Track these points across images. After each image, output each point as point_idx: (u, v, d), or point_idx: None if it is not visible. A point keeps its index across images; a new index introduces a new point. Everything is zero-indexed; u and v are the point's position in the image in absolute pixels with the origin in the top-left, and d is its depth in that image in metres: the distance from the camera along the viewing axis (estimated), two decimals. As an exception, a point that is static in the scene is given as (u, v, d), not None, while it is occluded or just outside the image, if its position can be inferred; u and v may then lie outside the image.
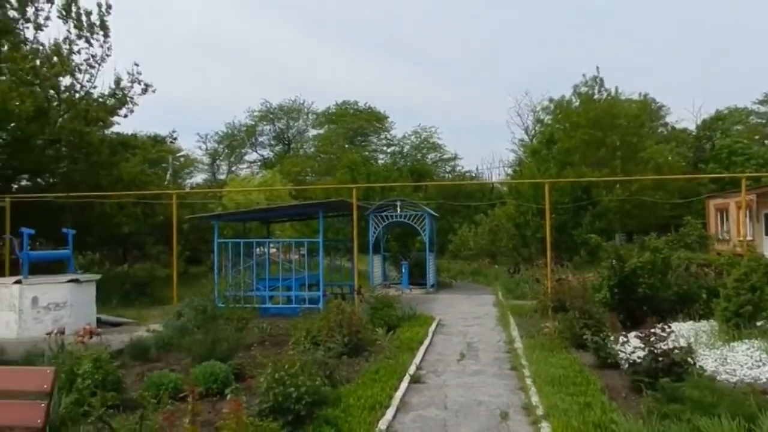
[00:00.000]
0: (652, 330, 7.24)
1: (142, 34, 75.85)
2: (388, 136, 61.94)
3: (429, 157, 56.70)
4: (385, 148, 61.71)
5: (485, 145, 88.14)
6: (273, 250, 18.85)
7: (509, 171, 48.29)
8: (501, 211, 29.94)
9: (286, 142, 64.94)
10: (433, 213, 22.64)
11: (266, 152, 64.65)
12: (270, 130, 64.29)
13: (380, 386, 7.39)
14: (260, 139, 64.08)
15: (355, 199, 15.43)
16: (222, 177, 59.21)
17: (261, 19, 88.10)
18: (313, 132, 64.29)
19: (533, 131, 48.65)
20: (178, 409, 5.00)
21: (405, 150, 57.57)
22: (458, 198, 36.04)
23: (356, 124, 60.03)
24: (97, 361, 4.67)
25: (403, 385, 7.56)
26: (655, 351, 6.92)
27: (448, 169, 56.50)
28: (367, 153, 57.34)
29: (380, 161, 55.49)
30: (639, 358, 7.10)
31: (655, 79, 72.45)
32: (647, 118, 39.73)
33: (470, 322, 13.41)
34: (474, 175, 51.95)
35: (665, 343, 6.99)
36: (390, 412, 6.44)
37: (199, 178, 59.39)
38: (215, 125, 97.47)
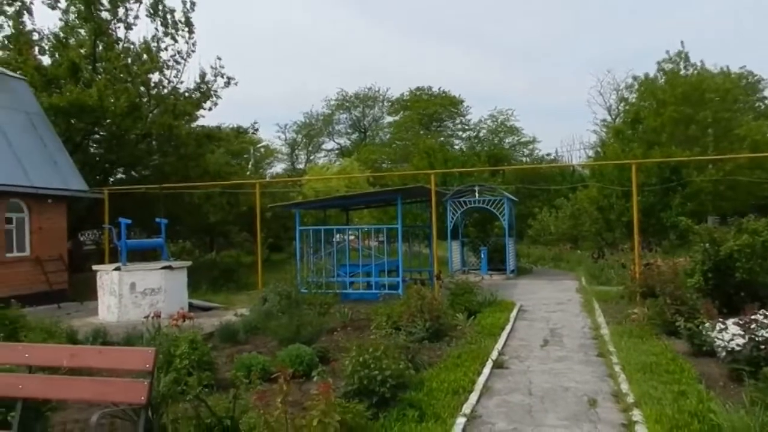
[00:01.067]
0: (753, 317, 6.83)
1: (223, 27, 78.37)
2: (464, 120, 61.27)
3: (506, 140, 55.65)
4: (460, 133, 61.10)
5: (565, 126, 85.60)
6: (352, 237, 19.14)
7: (590, 153, 46.67)
8: (583, 194, 29.01)
9: (362, 130, 65.49)
10: (512, 197, 22.25)
11: (343, 141, 65.52)
12: (346, 118, 65.03)
13: (463, 371, 7.37)
14: (337, 127, 64.96)
15: (433, 185, 15.38)
16: (300, 166, 60.52)
17: (336, 8, 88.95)
18: (388, 119, 64.52)
19: (616, 111, 46.71)
20: (270, 390, 5.18)
21: (481, 134, 56.76)
22: (537, 182, 35.25)
23: (431, 109, 59.67)
24: (192, 342, 4.93)
25: (486, 370, 7.50)
26: (757, 338, 6.53)
27: (526, 152, 55.24)
28: (442, 138, 56.95)
29: (456, 146, 54.99)
30: (738, 346, 6.72)
31: (751, 51, 67.76)
32: (742, 92, 37.19)
33: (553, 307, 13.13)
34: (553, 158, 50.57)
35: (768, 330, 6.58)
36: (473, 397, 6.41)
37: (278, 167, 60.95)
38: (293, 115, 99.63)
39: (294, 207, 17.56)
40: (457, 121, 61.75)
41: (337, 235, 18.05)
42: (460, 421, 5.66)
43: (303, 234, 16.22)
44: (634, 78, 38.07)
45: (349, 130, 66.02)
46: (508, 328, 10.47)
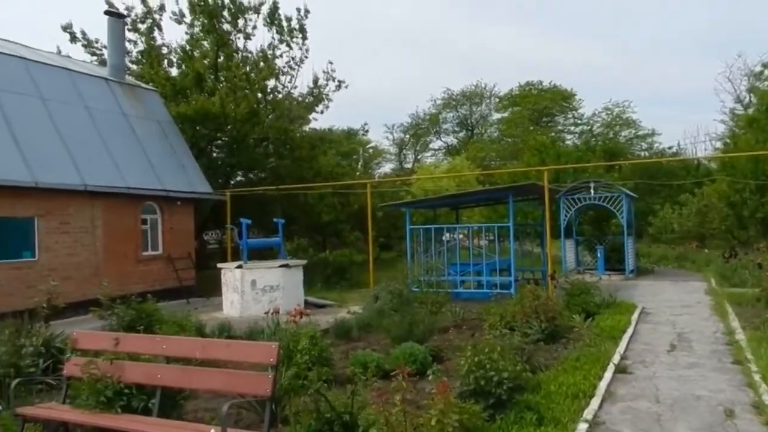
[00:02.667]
0: None
1: (330, 31, 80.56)
2: (576, 114, 58.95)
3: (622, 134, 52.90)
4: (572, 127, 58.84)
5: (687, 118, 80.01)
6: (461, 236, 19.01)
7: (718, 144, 43.23)
8: (711, 189, 26.97)
9: (470, 128, 64.83)
10: (631, 194, 21.13)
11: (450, 139, 65.21)
12: (453, 116, 64.64)
13: (582, 374, 7.09)
14: (444, 126, 64.72)
15: (546, 182, 14.95)
16: (408, 166, 60.90)
17: (443, 6, 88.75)
18: (496, 116, 63.42)
19: (748, 99, 43.02)
20: (386, 387, 5.25)
21: (594, 128, 54.33)
22: (657, 177, 33.17)
23: (541, 104, 57.94)
24: (312, 338, 5.09)
25: (608, 374, 7.16)
26: None
27: (645, 146, 52.14)
28: (553, 134, 55.13)
29: (567, 142, 53.01)
30: None
31: None
32: None
33: (679, 310, 12.31)
34: (675, 151, 47.40)
35: None
36: (595, 402, 6.14)
37: (387, 167, 61.69)
38: (400, 116, 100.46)
39: (404, 206, 17.71)
40: (569, 115, 59.52)
41: (447, 234, 18.01)
42: (582, 426, 5.44)
43: (413, 233, 16.31)
44: (765, 66, 34.79)
45: (456, 129, 65.60)
46: (629, 331, 9.94)
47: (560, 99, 58.18)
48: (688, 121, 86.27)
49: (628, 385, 6.90)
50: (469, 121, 64.79)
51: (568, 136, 57.15)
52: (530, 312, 9.39)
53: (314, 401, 5.17)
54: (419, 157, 64.63)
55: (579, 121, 58.23)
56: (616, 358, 7.88)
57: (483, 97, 63.18)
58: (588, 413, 5.79)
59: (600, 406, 6.07)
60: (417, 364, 7.38)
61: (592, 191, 19.84)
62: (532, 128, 56.14)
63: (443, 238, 17.54)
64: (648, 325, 10.79)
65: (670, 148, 49.08)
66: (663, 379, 7.10)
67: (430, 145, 65.66)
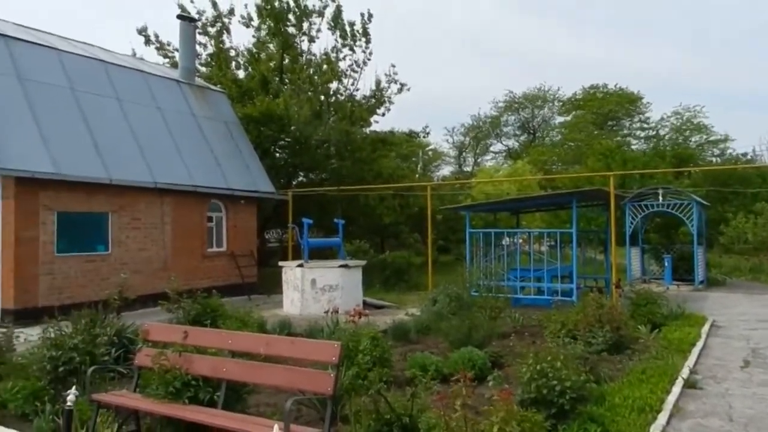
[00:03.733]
0: None
1: (392, 33, 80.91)
2: (642, 118, 57.00)
3: (693, 139, 50.82)
4: (639, 132, 56.93)
5: (764, 123, 76.10)
6: (521, 240, 18.71)
7: (798, 151, 40.85)
8: (789, 198, 25.58)
9: (531, 131, 63.73)
10: (703, 201, 20.29)
11: (511, 142, 64.27)
12: (514, 119, 63.70)
13: (649, 388, 6.85)
14: (505, 129, 63.84)
15: (612, 188, 14.54)
16: (467, 169, 60.41)
17: (503, 8, 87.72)
18: (559, 119, 62.08)
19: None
20: (444, 391, 5.23)
21: (663, 133, 52.40)
22: (730, 184, 31.71)
23: (606, 108, 56.33)
24: (374, 339, 5.13)
25: (676, 389, 6.89)
26: None
27: (717, 152, 49.94)
28: (618, 138, 53.50)
29: (633, 146, 51.32)
30: None
31: None
32: None
33: (754, 324, 11.73)
34: (750, 157, 45.15)
35: None
36: (663, 417, 5.93)
37: (446, 170, 61.37)
38: (461, 118, 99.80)
39: (464, 209, 17.60)
40: (636, 119, 57.62)
41: (507, 239, 17.76)
42: (649, 441, 5.27)
43: (473, 236, 16.16)
44: None
45: (517, 132, 64.59)
46: (699, 344, 9.54)
47: (626, 102, 56.39)
48: (765, 126, 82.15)
49: (698, 401, 6.62)
50: (530, 125, 63.69)
51: (634, 141, 55.36)
52: (594, 321, 9.15)
53: (374, 402, 5.20)
54: (479, 160, 64.02)
55: (646, 125, 56.34)
56: (685, 372, 7.58)
57: (546, 100, 61.98)
58: (655, 428, 5.60)
59: (668, 422, 5.86)
60: (476, 370, 7.32)
61: (660, 198, 19.17)
62: (596, 132, 54.67)
63: (503, 242, 17.32)
64: (719, 339, 10.33)
65: (744, 154, 46.80)
66: (736, 396, 6.79)
67: (491, 148, 64.92)
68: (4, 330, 8.17)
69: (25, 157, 12.97)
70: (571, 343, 8.64)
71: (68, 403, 5.40)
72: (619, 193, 18.19)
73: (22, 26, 16.31)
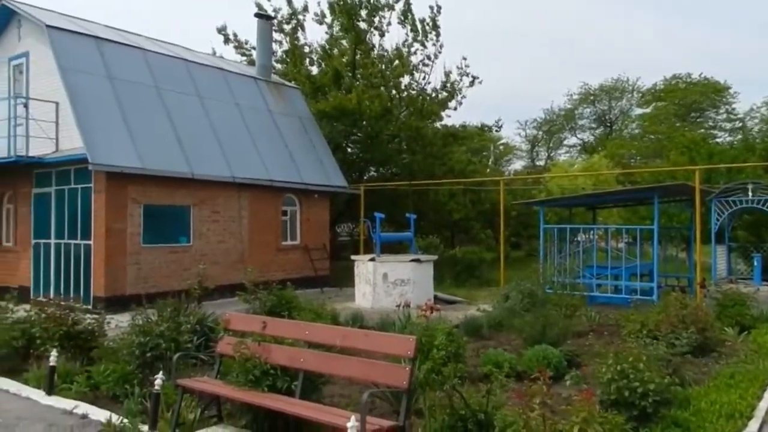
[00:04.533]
0: None
1: (463, 25, 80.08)
2: (729, 109, 53.93)
3: (786, 131, 47.68)
4: (725, 124, 53.92)
5: None
6: (597, 237, 18.14)
7: None
8: None
9: (608, 124, 61.58)
10: (798, 197, 18.98)
11: (586, 136, 62.33)
12: (590, 112, 61.72)
13: (738, 393, 6.50)
14: (580, 122, 61.98)
15: (697, 183, 13.87)
16: (540, 163, 59.13)
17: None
18: (637, 111, 59.65)
19: None
20: (521, 389, 5.15)
21: (751, 125, 49.41)
22: (832, 180, 29.50)
23: (689, 98, 53.63)
24: (449, 335, 5.12)
25: (768, 395, 6.53)
26: None
27: (815, 145, 46.65)
28: (703, 130, 50.89)
29: (719, 139, 48.66)
30: None
31: None
32: None
33: None
34: None
35: None
36: (754, 425, 5.62)
37: (518, 164, 60.34)
38: (534, 112, 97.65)
39: (538, 204, 17.23)
40: (722, 110, 54.60)
41: (582, 235, 17.29)
42: (739, 450, 5.01)
43: (547, 232, 15.82)
44: None
45: (593, 125, 62.58)
46: (793, 349, 8.96)
47: (711, 92, 53.49)
48: None
49: (794, 409, 6.23)
50: (607, 117, 61.53)
51: (720, 134, 52.50)
52: (677, 321, 8.76)
53: (448, 397, 5.18)
54: (552, 154, 62.52)
55: (733, 117, 53.30)
56: (778, 378, 7.15)
57: (624, 92, 59.69)
58: (745, 436, 5.32)
59: (759, 430, 5.54)
60: (551, 368, 7.16)
61: (750, 193, 18.09)
62: (678, 124, 52.23)
63: (577, 238, 16.86)
64: (816, 344, 9.66)
65: None
66: (836, 405, 6.34)
67: (565, 142, 63.23)
68: (96, 316, 8.66)
69: (114, 152, 13.69)
70: (653, 344, 8.32)
71: (156, 388, 5.69)
72: (704, 188, 17.31)
73: (111, 27, 17.20)
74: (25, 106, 14.65)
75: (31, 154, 14.44)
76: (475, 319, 10.71)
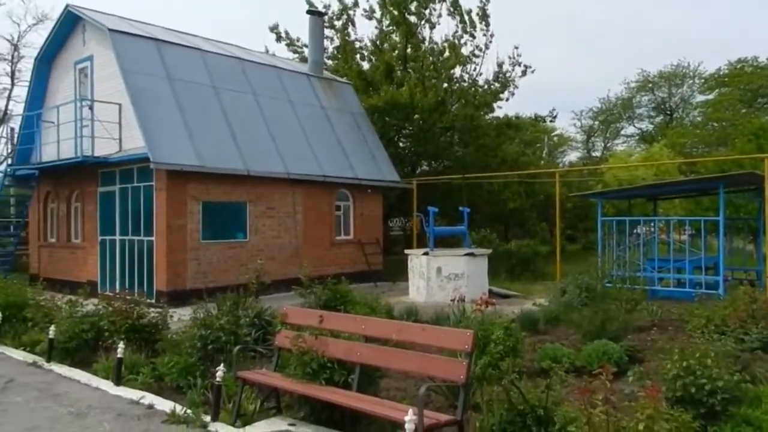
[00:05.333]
0: None
1: (516, 14, 78.68)
2: (799, 93, 51.12)
3: None
4: (795, 109, 51.18)
5: None
6: (652, 229, 17.56)
7: None
8: None
9: (668, 112, 59.40)
10: None
11: (645, 125, 60.32)
12: (648, 100, 59.67)
13: (815, 392, 6.17)
14: (638, 111, 60.00)
15: (767, 172, 13.23)
16: (596, 154, 57.63)
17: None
18: (699, 98, 57.29)
19: None
20: (581, 384, 5.05)
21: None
22: None
23: (756, 83, 51.15)
24: (507, 329, 5.06)
25: None
26: None
27: None
28: (768, 117, 48.48)
29: (788, 125, 46.21)
30: None
31: None
32: None
33: None
34: None
35: None
36: (831, 425, 5.32)
37: (572, 156, 58.98)
38: (589, 101, 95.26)
39: (596, 196, 16.80)
40: (793, 94, 51.89)
41: (640, 227, 16.77)
42: (816, 451, 4.76)
43: (605, 224, 15.41)
44: None
45: (652, 113, 60.48)
46: None
47: (781, 75, 50.89)
48: None
49: None
50: (667, 105, 59.35)
51: (790, 119, 49.90)
52: (746, 316, 8.40)
53: (506, 391, 5.12)
54: (609, 144, 60.83)
55: (803, 100, 50.56)
56: None
57: (685, 78, 57.41)
58: (824, 437, 5.05)
59: (838, 430, 5.25)
60: (611, 364, 6.97)
61: (824, 182, 17.14)
62: (744, 111, 49.95)
63: (637, 230, 16.35)
64: None
65: None
66: None
67: (622, 132, 61.38)
68: (159, 310, 8.96)
69: (174, 151, 14.11)
70: (720, 340, 8.01)
71: (217, 379, 5.85)
72: (774, 177, 16.52)
73: (170, 29, 17.71)
74: (90, 108, 15.27)
75: (96, 154, 15.05)
76: (531, 313, 10.55)
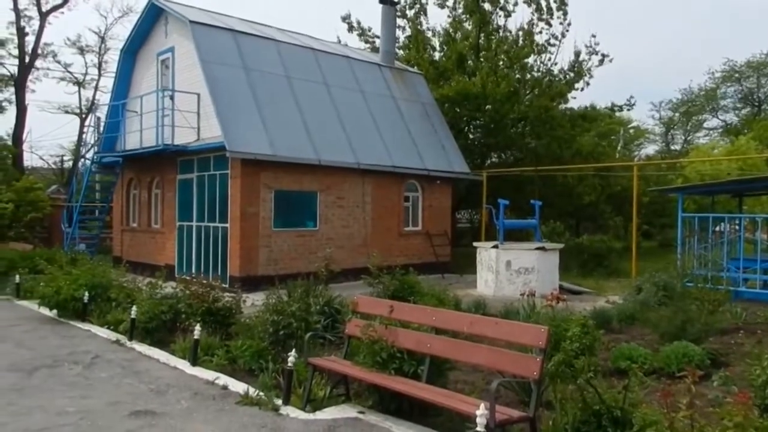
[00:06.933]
0: None
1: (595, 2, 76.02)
2: None
3: None
4: None
5: None
6: (737, 227, 16.61)
7: None
8: None
9: (756, 104, 56.02)
10: None
11: (729, 117, 57.13)
12: (734, 91, 56.41)
13: None
14: (722, 102, 56.88)
15: None
16: (676, 147, 55.13)
17: (727, -34, 77.69)
18: (792, 88, 53.69)
19: None
20: (659, 387, 4.84)
21: None
22: None
23: None
24: (584, 326, 4.89)
25: None
26: None
27: None
28: None
29: None
30: None
31: None
32: None
33: None
34: None
35: None
36: None
37: (650, 149, 56.63)
38: (669, 92, 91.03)
39: (677, 191, 16.04)
40: None
41: (723, 224, 15.90)
42: None
43: (686, 221, 14.72)
44: None
45: (738, 105, 57.19)
46: None
47: None
48: None
49: None
50: (755, 96, 55.97)
51: None
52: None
53: (580, 390, 4.97)
54: (689, 137, 58.02)
55: None
56: None
57: (775, 68, 53.98)
58: None
59: None
60: (692, 367, 6.65)
61: None
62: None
63: (719, 228, 15.52)
64: None
65: None
66: None
67: (705, 125, 58.38)
68: (233, 294, 9.23)
69: (249, 140, 14.46)
70: (814, 347, 7.51)
71: (289, 364, 5.96)
72: None
73: (247, 21, 18.13)
74: (171, 98, 15.85)
75: (176, 142, 15.62)
76: (604, 311, 10.21)
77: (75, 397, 6.39)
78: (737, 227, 16.19)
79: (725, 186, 16.83)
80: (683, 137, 58.52)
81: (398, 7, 23.91)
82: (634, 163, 19.35)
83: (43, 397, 6.39)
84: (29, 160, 36.50)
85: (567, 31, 23.69)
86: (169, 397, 6.41)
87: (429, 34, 25.02)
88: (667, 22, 79.37)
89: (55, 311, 11.05)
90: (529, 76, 23.86)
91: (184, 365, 7.57)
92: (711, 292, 10.78)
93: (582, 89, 24.56)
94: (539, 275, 13.45)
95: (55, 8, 28.47)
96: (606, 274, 17.85)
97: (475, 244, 15.26)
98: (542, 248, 13.77)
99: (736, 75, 54.65)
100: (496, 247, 13.84)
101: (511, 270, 13.60)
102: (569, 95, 25.06)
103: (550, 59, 24.16)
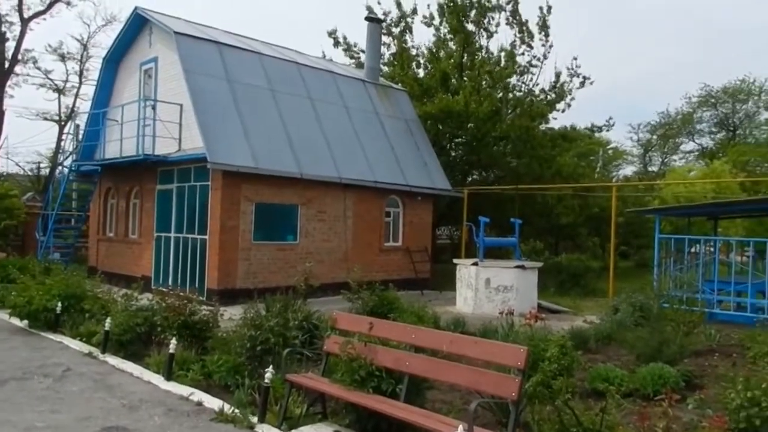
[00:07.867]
0: None
1: (575, 23, 77.39)
2: None
3: None
4: None
5: None
6: (711, 249, 16.89)
7: None
8: None
9: (731, 129, 57.20)
10: None
11: (705, 140, 58.24)
12: (711, 116, 57.57)
13: None
14: (698, 126, 57.99)
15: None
16: (653, 169, 55.99)
17: (704, -6, 79.70)
18: (765, 115, 54.95)
19: None
20: (634, 409, 4.87)
21: None
22: None
23: (826, 101, 48.78)
24: (563, 348, 4.91)
25: None
26: None
27: None
28: None
29: None
30: None
31: None
32: None
33: None
34: None
35: None
36: None
37: (628, 170, 57.44)
38: (646, 115, 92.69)
39: (654, 213, 16.29)
40: None
41: (702, 247, 16.15)
42: None
43: (662, 242, 14.92)
44: None
45: (713, 129, 58.35)
46: None
47: None
48: None
49: None
50: (730, 121, 57.19)
51: None
52: (814, 346, 7.97)
53: (558, 412, 4.98)
54: (666, 159, 58.99)
55: None
56: None
57: (750, 94, 55.22)
58: None
59: None
60: (666, 389, 6.72)
61: None
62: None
63: (694, 250, 15.73)
64: None
65: None
66: None
67: (681, 147, 59.41)
68: (211, 308, 9.11)
69: (231, 152, 14.38)
70: (785, 370, 7.61)
71: (266, 381, 5.89)
72: None
73: (231, 33, 18.11)
74: (153, 107, 15.73)
75: (156, 152, 15.48)
76: (581, 330, 10.27)
77: (44, 412, 6.24)
78: (712, 249, 16.47)
79: (702, 208, 17.13)
80: (660, 159, 59.50)
81: (384, 24, 24.09)
82: (613, 183, 19.61)
83: (12, 411, 6.22)
84: (5, 166, 35.95)
85: (549, 53, 24.06)
86: (142, 412, 6.28)
87: (414, 51, 25.22)
88: (646, 46, 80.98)
89: (26, 322, 10.81)
90: (511, 95, 24.12)
91: (158, 380, 7.43)
92: (686, 314, 10.92)
93: (563, 110, 24.91)
94: (518, 293, 13.51)
95: (37, 14, 28.10)
96: (583, 294, 17.99)
97: (455, 260, 15.30)
98: (522, 266, 13.84)
99: (712, 100, 55.79)
100: (476, 264, 13.88)
101: (490, 288, 13.64)
102: (550, 116, 25.38)
103: (531, 80, 24.50)
